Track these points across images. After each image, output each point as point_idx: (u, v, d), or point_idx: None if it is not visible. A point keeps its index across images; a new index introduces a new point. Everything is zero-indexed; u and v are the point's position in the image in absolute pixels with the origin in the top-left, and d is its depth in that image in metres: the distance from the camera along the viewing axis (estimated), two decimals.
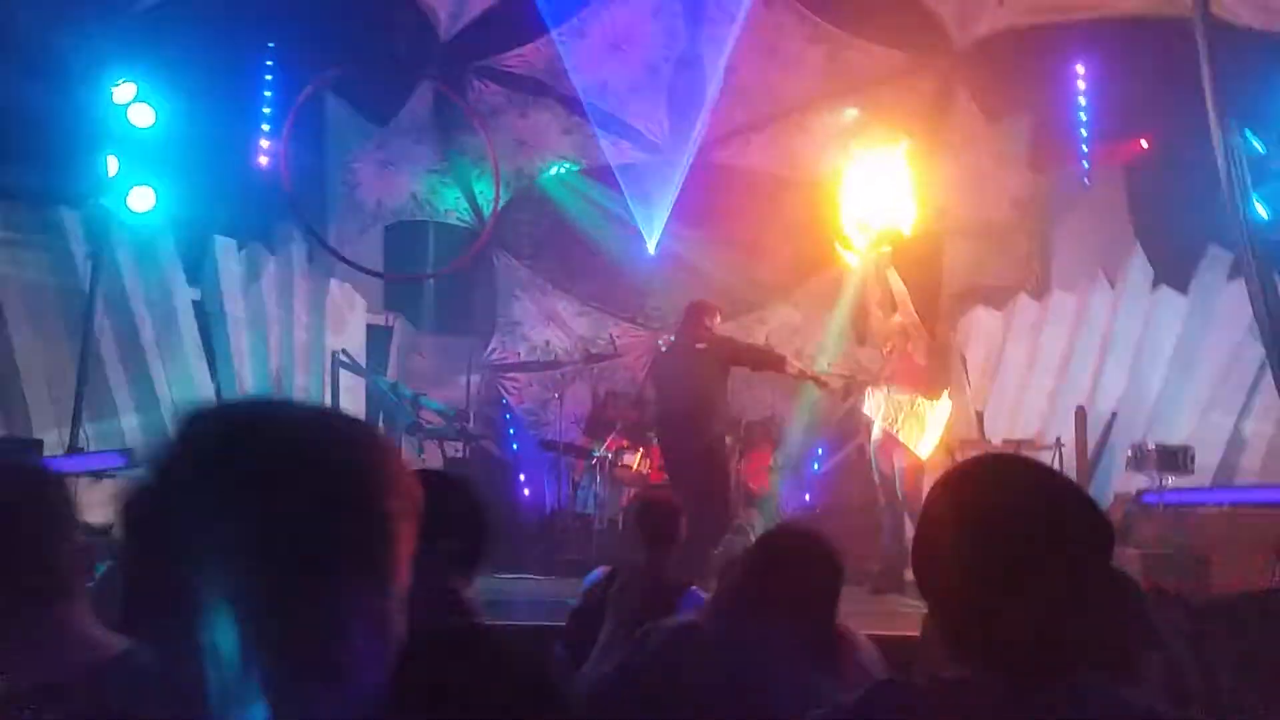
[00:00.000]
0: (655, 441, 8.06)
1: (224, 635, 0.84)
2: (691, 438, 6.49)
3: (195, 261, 8.39)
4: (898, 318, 7.04)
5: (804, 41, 9.41)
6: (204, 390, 8.23)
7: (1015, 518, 1.34)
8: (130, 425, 7.90)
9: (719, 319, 7.08)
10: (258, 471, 0.88)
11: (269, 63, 9.02)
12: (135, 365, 7.97)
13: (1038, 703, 1.28)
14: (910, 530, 6.92)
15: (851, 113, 9.83)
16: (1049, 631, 1.30)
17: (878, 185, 7.43)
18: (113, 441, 7.57)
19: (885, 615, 5.23)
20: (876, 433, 7.00)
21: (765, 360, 7.23)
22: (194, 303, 8.32)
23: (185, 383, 8.17)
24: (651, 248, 9.73)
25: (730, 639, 2.40)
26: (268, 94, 9.01)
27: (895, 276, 7.06)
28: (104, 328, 7.75)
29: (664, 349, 8.10)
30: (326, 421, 0.97)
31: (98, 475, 6.81)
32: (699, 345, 6.68)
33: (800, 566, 2.48)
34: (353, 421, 1.01)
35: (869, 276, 7.20)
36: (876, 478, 7.00)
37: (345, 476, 0.91)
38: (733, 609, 2.58)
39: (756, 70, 9.55)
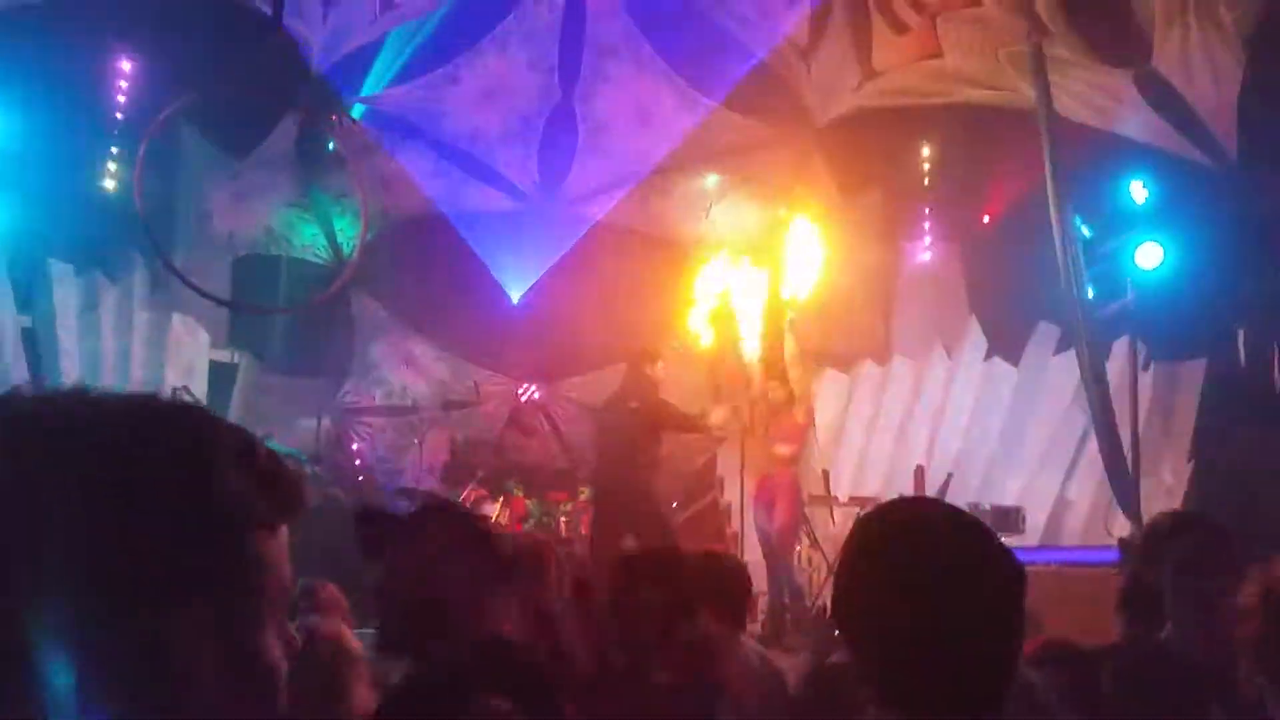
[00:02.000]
0: (516, 492, 8.00)
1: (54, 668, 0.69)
2: (622, 497, 6.56)
3: (27, 286, 7.83)
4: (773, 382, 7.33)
5: (674, 108, 9.68)
6: None
7: (937, 562, 1.37)
8: None
9: (660, 365, 7.14)
10: (77, 470, 0.72)
11: (122, 83, 8.57)
12: None
13: None
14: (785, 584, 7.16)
15: (714, 178, 10.15)
16: (974, 672, 1.35)
17: (780, 253, 7.72)
18: None
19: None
20: (750, 488, 7.22)
21: (688, 425, 7.32)
22: (24, 330, 7.74)
23: None
24: (515, 297, 9.70)
25: None
26: (118, 115, 8.56)
27: (792, 342, 7.32)
28: None
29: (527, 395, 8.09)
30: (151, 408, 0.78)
31: None
32: (632, 404, 6.77)
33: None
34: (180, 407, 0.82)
35: (767, 343, 7.44)
36: (756, 531, 7.22)
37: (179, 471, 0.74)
38: None
39: (626, 130, 9.75)
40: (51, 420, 0.74)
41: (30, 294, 7.85)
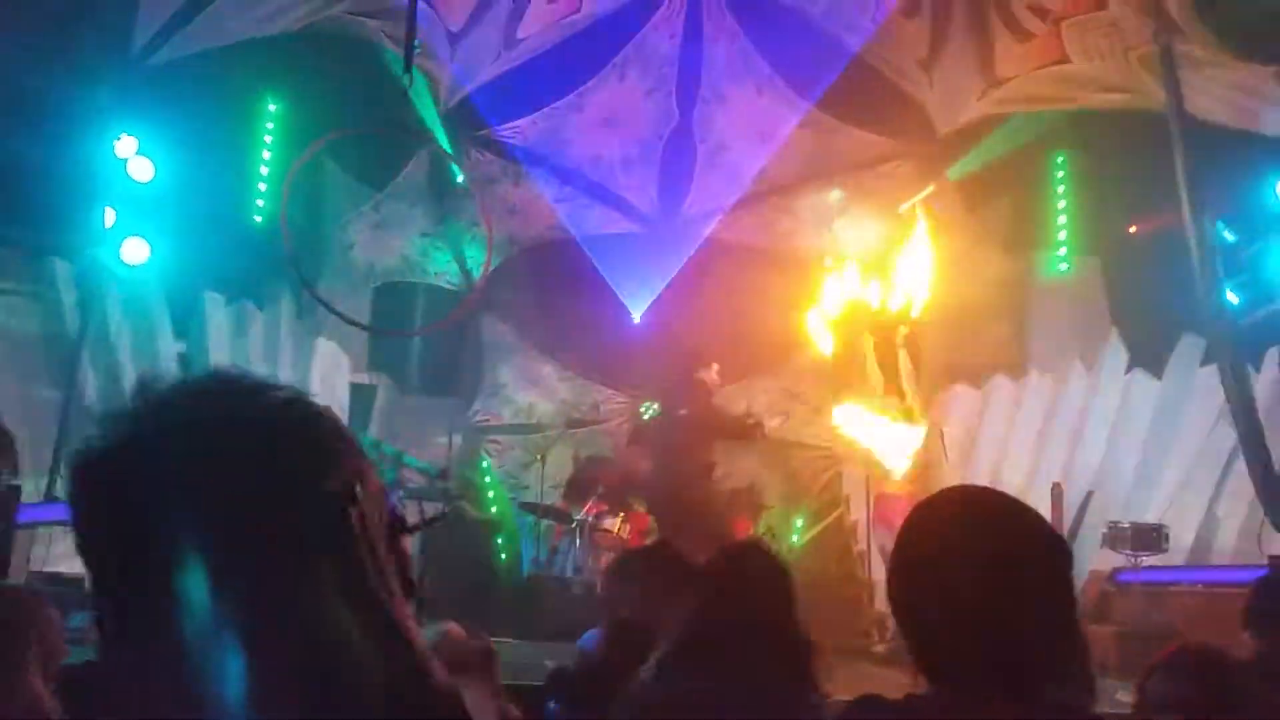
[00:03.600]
0: (637, 507, 8.10)
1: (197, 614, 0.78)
2: (675, 496, 6.56)
3: (183, 315, 8.44)
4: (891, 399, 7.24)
5: (793, 125, 9.69)
6: None
7: (991, 543, 1.41)
8: None
9: (714, 369, 7.15)
10: (217, 445, 0.84)
11: (269, 124, 9.18)
12: None
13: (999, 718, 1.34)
14: None
15: (837, 194, 10.09)
16: (1023, 650, 1.37)
17: (891, 268, 7.67)
18: None
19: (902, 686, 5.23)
20: (871, 507, 7.14)
21: (741, 430, 7.30)
22: (179, 356, 8.34)
23: None
24: (636, 317, 9.87)
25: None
26: (266, 155, 9.16)
27: (906, 358, 7.24)
28: (88, 378, 7.77)
29: (646, 416, 8.18)
30: (285, 399, 0.90)
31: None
32: (680, 411, 6.78)
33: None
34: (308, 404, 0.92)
35: (880, 357, 7.38)
36: (876, 549, 7.12)
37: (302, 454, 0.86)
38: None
39: (746, 150, 9.81)
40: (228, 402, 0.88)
41: (185, 322, 8.44)
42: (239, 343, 8.70)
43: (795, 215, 10.14)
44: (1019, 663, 1.37)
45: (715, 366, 7.16)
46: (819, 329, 8.07)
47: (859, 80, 9.40)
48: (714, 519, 6.95)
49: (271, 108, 9.20)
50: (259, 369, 8.27)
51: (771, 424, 8.64)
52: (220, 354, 8.51)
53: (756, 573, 2.69)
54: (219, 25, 7.92)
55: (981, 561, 1.39)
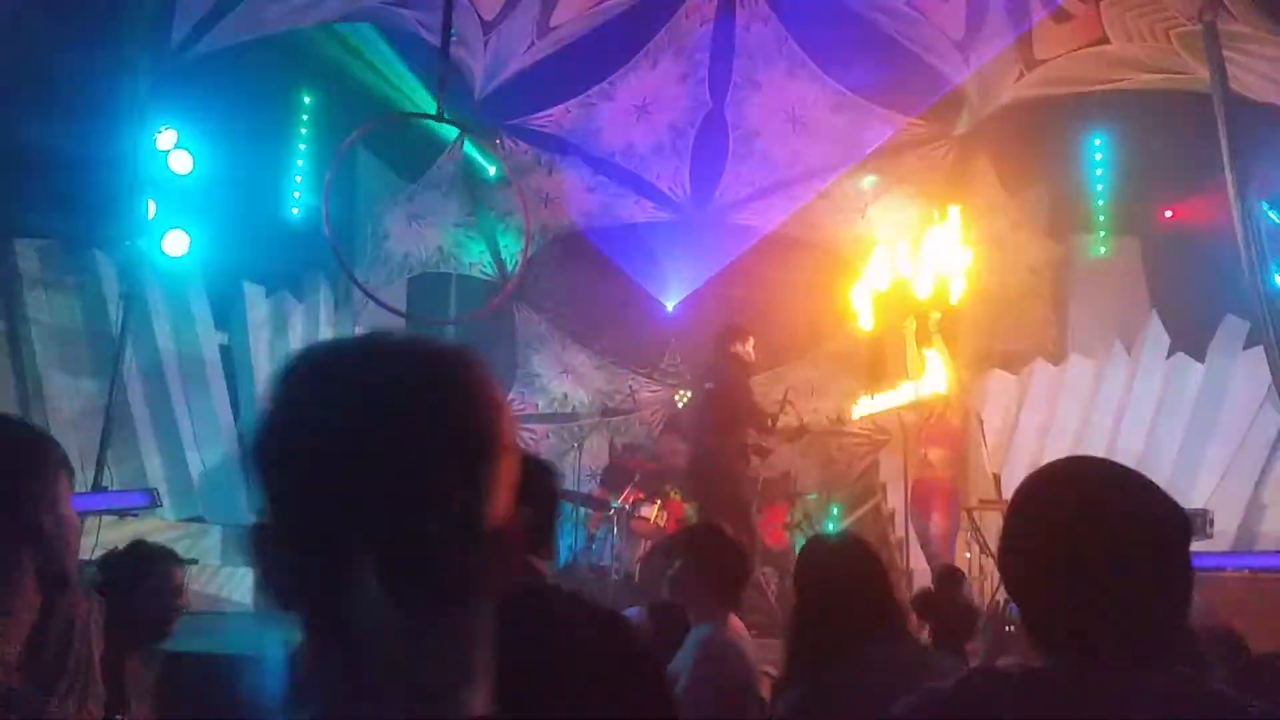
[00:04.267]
0: (673, 494, 8.11)
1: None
2: (707, 477, 6.53)
3: (224, 307, 8.53)
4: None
5: (826, 110, 9.62)
6: (227, 433, 8.31)
7: (1106, 512, 1.39)
8: (153, 467, 7.97)
9: (750, 344, 7.05)
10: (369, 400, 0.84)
11: (304, 116, 9.25)
12: (161, 407, 8.06)
13: (1128, 690, 1.32)
14: None
15: (871, 179, 10.02)
16: (1140, 622, 1.35)
17: (924, 253, 7.61)
18: (137, 482, 7.62)
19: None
20: (908, 493, 7.11)
21: (751, 417, 7.14)
22: (221, 347, 8.43)
23: (209, 426, 8.26)
24: (670, 305, 9.86)
25: None
26: (302, 146, 9.24)
27: (940, 343, 7.18)
28: (132, 369, 7.86)
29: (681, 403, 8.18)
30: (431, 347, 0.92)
31: (120, 514, 6.87)
32: (707, 385, 6.75)
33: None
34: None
35: (911, 342, 7.32)
36: (915, 536, 7.09)
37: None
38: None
39: (778, 136, 9.76)
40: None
41: (226, 313, 8.54)
42: (279, 334, 8.77)
43: (829, 201, 10.06)
44: (1146, 633, 1.35)
45: (751, 341, 7.06)
46: (862, 306, 8.00)
47: (893, 63, 9.31)
48: (745, 505, 6.90)
49: (307, 100, 9.26)
50: None
51: (806, 413, 8.60)
52: (261, 345, 8.60)
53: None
54: (256, 16, 7.97)
55: (1107, 531, 1.37)
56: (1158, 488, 1.43)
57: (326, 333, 9.10)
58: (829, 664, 2.67)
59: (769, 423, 7.11)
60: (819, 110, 9.59)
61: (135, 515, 6.84)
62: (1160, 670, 1.34)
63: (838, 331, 9.40)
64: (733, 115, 9.71)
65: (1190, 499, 7.57)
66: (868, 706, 2.12)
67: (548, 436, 9.91)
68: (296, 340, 8.88)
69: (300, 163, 9.24)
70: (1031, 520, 1.44)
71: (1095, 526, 1.37)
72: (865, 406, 7.92)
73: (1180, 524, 1.41)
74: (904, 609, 2.87)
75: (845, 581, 2.82)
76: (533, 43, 9.63)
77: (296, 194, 9.15)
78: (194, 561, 7.39)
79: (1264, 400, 7.56)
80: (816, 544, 3.38)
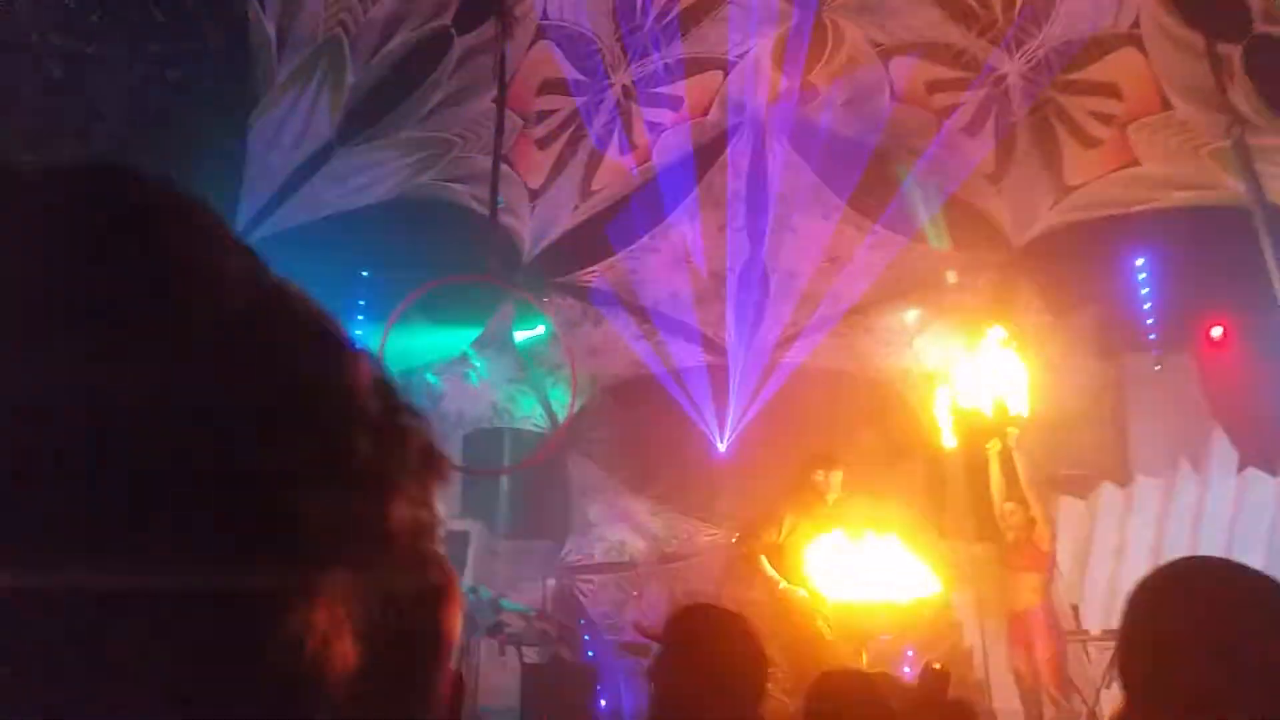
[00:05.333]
0: None
1: None
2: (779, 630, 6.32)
3: None
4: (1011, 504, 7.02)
5: (864, 248, 9.83)
6: None
7: (1228, 614, 1.34)
8: None
9: (832, 474, 6.63)
10: None
11: (363, 292, 9.68)
12: None
13: None
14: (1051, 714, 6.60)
15: (914, 312, 10.10)
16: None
17: (990, 374, 7.54)
18: None
19: None
20: (998, 629, 6.85)
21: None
22: None
23: None
24: (721, 446, 9.88)
25: None
26: (360, 317, 9.63)
27: (1020, 461, 7.04)
28: None
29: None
30: None
31: None
32: (733, 538, 6.58)
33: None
34: None
35: (995, 464, 7.19)
36: (1009, 672, 6.77)
37: None
38: None
39: (818, 275, 9.95)
40: None
41: None
42: None
43: (874, 335, 10.15)
44: None
45: (837, 473, 6.62)
46: (945, 426, 7.88)
47: (930, 200, 9.54)
48: (815, 647, 6.65)
49: (365, 274, 9.71)
50: None
51: None
52: None
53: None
54: (316, 200, 8.49)
55: (1223, 637, 1.32)
56: (1273, 583, 1.37)
57: None
58: None
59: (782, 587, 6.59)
60: (856, 248, 9.79)
61: None
62: None
63: (893, 463, 9.29)
64: (771, 259, 9.95)
65: None
66: None
67: (605, 586, 9.81)
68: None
69: (359, 333, 9.61)
70: (1154, 627, 1.38)
71: (1226, 629, 1.32)
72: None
73: None
74: None
75: None
76: (577, 205, 10.10)
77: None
78: None
79: None
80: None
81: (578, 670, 9.03)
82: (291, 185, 8.48)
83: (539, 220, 10.17)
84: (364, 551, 0.48)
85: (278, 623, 0.44)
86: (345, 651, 0.46)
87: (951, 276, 9.90)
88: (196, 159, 6.99)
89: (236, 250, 0.52)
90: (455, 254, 9.85)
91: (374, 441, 0.49)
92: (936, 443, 7.95)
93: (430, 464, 0.54)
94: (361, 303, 9.78)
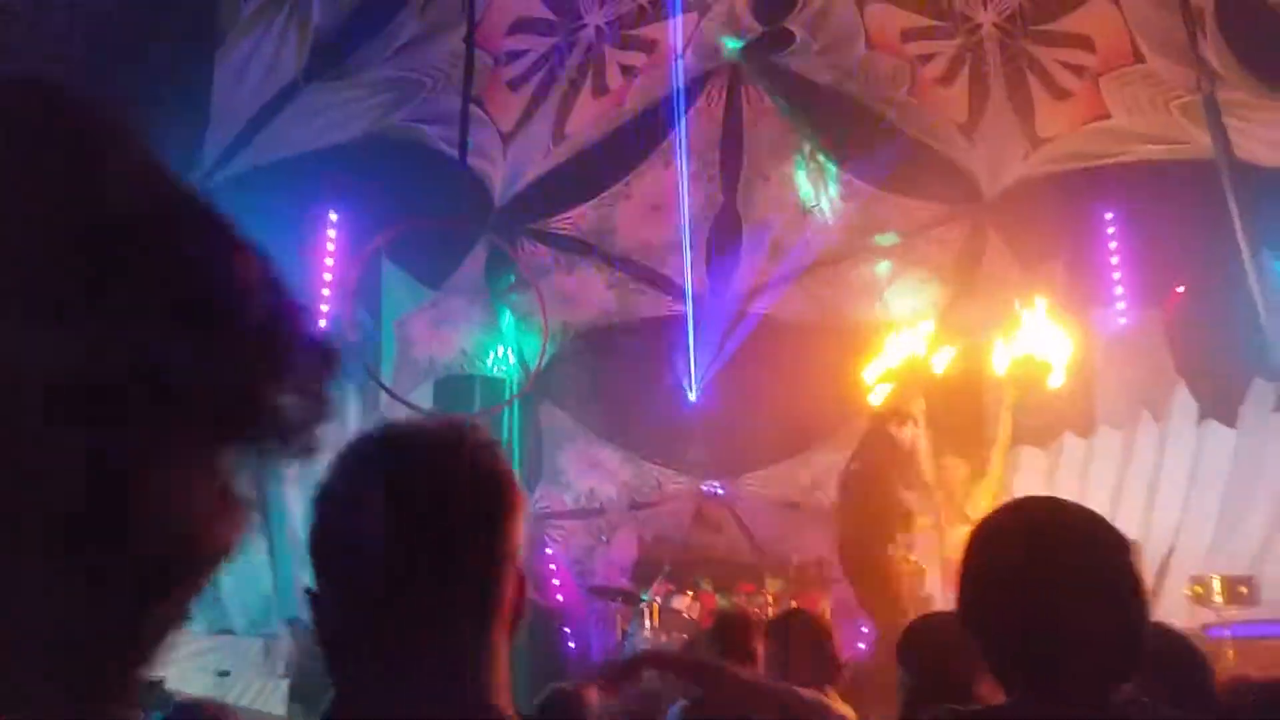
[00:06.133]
0: (705, 586, 8.01)
1: None
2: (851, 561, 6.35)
3: None
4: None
5: (836, 198, 9.81)
6: (257, 544, 8.38)
7: (1061, 550, 1.42)
8: None
9: (910, 427, 6.68)
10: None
11: (331, 231, 9.54)
12: None
13: None
14: None
15: (885, 263, 10.13)
16: (1098, 654, 1.37)
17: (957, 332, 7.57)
18: None
19: None
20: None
21: (889, 517, 6.75)
22: None
23: None
24: (692, 395, 9.92)
25: None
26: (329, 261, 9.51)
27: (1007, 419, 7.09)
28: None
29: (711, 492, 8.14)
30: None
31: None
32: (853, 465, 6.56)
33: None
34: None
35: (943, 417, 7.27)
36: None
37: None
38: None
39: (791, 226, 9.94)
40: None
41: None
42: None
43: (845, 287, 10.18)
44: (1096, 667, 1.36)
45: (911, 425, 6.70)
46: (875, 383, 7.98)
47: (901, 149, 9.52)
48: (892, 586, 6.57)
49: (333, 216, 9.57)
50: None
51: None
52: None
53: None
54: (283, 137, 8.33)
55: (1050, 564, 1.40)
56: (1105, 522, 1.46)
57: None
58: None
59: (904, 521, 6.74)
60: (829, 199, 9.78)
61: None
62: (1119, 702, 1.35)
63: (860, 414, 9.37)
64: (745, 208, 9.93)
65: (1234, 565, 7.38)
66: None
67: (575, 533, 9.90)
68: (323, 450, 8.98)
69: (327, 276, 9.50)
70: (982, 563, 1.47)
71: (1044, 565, 1.40)
72: None
73: (1129, 558, 1.43)
74: None
75: None
76: (549, 150, 9.99)
77: (325, 307, 9.37)
78: (226, 673, 7.42)
79: None
80: None
81: (546, 613, 9.14)
82: (258, 123, 8.31)
83: (511, 164, 10.06)
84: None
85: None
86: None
87: (891, 238, 9.92)
88: (161, 94, 6.83)
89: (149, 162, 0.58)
90: (425, 197, 9.75)
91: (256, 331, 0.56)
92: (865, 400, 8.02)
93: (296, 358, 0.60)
94: (330, 245, 9.65)
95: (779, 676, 3.59)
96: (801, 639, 3.60)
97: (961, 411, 8.68)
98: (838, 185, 9.64)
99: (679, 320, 10.07)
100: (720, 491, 9.37)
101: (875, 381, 7.75)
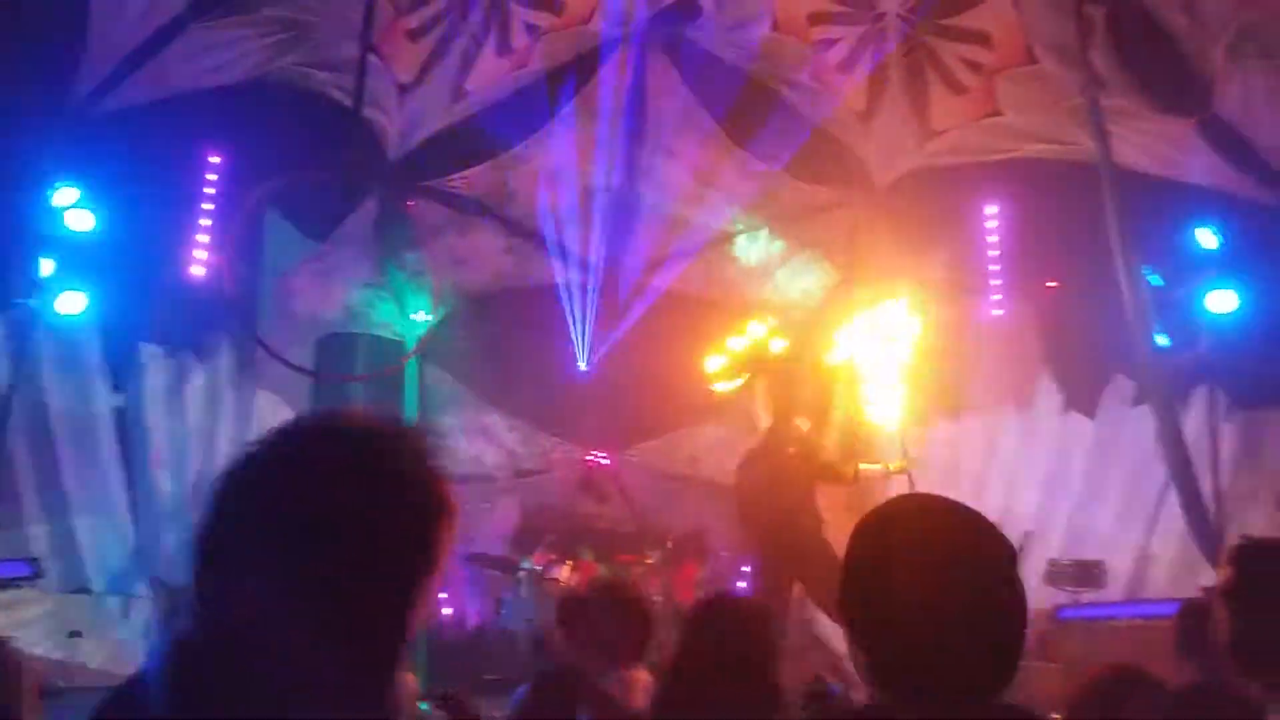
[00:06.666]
0: (585, 555, 8.05)
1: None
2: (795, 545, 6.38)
3: (121, 368, 8.26)
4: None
5: (735, 177, 9.88)
6: (118, 499, 8.02)
7: (941, 547, 1.42)
8: (37, 534, 7.63)
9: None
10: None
11: (210, 175, 9.08)
12: (47, 472, 7.74)
13: None
14: None
15: (778, 244, 10.26)
16: (971, 652, 1.38)
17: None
18: (17, 550, 7.28)
19: None
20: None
21: (835, 476, 6.95)
22: (118, 409, 8.15)
23: (99, 491, 7.95)
24: (583, 364, 9.90)
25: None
26: (207, 206, 9.06)
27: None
28: (17, 432, 7.54)
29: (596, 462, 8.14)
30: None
31: (1, 585, 6.56)
32: (790, 450, 6.60)
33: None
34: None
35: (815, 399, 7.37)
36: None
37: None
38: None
39: (689, 201, 9.97)
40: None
41: (123, 376, 8.26)
42: (178, 398, 8.52)
43: (739, 265, 10.28)
44: (974, 666, 1.38)
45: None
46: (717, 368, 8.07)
47: (799, 132, 9.62)
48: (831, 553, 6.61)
49: (214, 159, 9.11)
50: (200, 422, 8.09)
51: (718, 472, 8.64)
52: (158, 407, 8.34)
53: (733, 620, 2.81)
54: (165, 74, 7.89)
55: (931, 566, 1.40)
56: (985, 520, 1.47)
57: (228, 394, 8.87)
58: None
59: (845, 473, 6.89)
60: (728, 177, 9.83)
61: (16, 586, 6.53)
62: (996, 704, 1.38)
63: (742, 388, 9.50)
64: (645, 180, 9.89)
65: (1085, 550, 7.83)
66: None
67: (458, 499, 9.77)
68: (197, 402, 8.63)
69: (206, 223, 9.06)
70: (863, 558, 1.47)
71: (923, 561, 1.40)
72: None
73: (1009, 557, 1.45)
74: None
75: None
76: (448, 106, 9.72)
77: (201, 254, 8.95)
78: (77, 634, 7.08)
79: (1151, 454, 7.87)
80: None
81: None
82: (138, 59, 7.82)
83: (407, 117, 9.75)
84: None
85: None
86: None
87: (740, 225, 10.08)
88: (33, 23, 6.36)
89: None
90: (315, 146, 9.38)
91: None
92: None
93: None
94: (209, 190, 9.20)
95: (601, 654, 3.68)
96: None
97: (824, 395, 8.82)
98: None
99: (573, 288, 10.00)
100: (606, 461, 9.39)
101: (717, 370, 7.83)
